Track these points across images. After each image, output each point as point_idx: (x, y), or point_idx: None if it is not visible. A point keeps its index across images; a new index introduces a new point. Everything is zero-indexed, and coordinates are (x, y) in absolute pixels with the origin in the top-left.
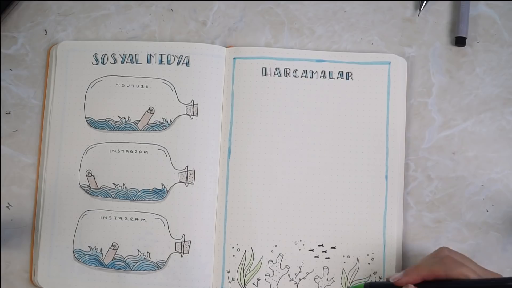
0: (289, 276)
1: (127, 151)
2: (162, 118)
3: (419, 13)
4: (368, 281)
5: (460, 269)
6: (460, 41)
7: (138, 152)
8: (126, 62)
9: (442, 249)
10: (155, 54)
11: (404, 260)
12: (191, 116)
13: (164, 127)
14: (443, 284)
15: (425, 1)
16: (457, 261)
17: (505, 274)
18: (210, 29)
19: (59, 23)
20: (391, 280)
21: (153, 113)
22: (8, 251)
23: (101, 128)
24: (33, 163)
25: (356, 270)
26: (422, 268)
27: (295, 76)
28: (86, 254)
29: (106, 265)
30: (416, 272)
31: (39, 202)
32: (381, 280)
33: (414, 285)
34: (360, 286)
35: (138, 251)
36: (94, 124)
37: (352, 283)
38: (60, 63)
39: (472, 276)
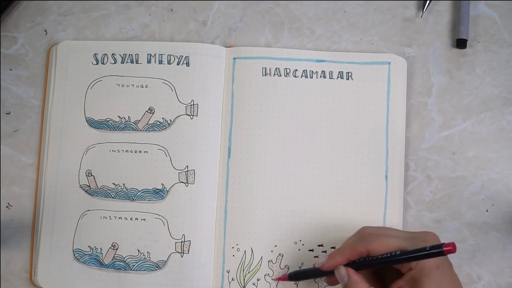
0: None
1: (127, 151)
2: (162, 118)
3: (422, 14)
4: (292, 271)
5: (379, 240)
6: (461, 43)
7: (138, 152)
8: (126, 62)
9: (362, 228)
10: (155, 54)
11: None
12: (191, 116)
13: (164, 127)
14: (367, 262)
15: (428, 2)
16: (375, 233)
17: (505, 274)
18: (210, 29)
19: (59, 23)
20: (316, 266)
21: (153, 113)
22: (8, 251)
23: (101, 128)
24: (33, 163)
25: None
26: (344, 249)
27: (295, 76)
28: (86, 254)
29: (106, 265)
30: (340, 254)
31: (39, 202)
32: (305, 268)
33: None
34: (284, 277)
35: (138, 251)
36: (94, 124)
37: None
38: (60, 63)
39: (392, 242)
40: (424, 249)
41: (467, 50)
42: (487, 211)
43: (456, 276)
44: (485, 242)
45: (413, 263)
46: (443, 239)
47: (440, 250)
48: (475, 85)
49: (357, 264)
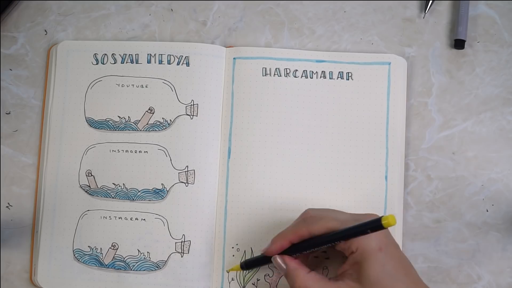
0: None
1: (127, 151)
2: (162, 118)
3: (424, 15)
4: (243, 260)
5: (319, 223)
6: (459, 44)
7: (138, 152)
8: (126, 62)
9: (306, 210)
10: (155, 54)
11: None
12: (191, 116)
13: (164, 127)
14: (307, 242)
15: (430, 3)
16: (317, 216)
17: (505, 274)
18: (210, 29)
19: (59, 23)
20: (261, 252)
21: (153, 113)
22: (8, 251)
23: (101, 128)
24: (33, 163)
25: None
26: (286, 233)
27: (295, 76)
28: (86, 254)
29: (106, 265)
30: (282, 237)
31: (39, 202)
32: (255, 256)
33: (286, 251)
34: (237, 267)
35: (138, 251)
36: (94, 124)
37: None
38: (60, 63)
39: (332, 225)
40: (362, 225)
41: (467, 50)
42: (487, 211)
43: (405, 257)
44: (485, 242)
45: (354, 247)
46: (443, 239)
47: (379, 224)
48: (475, 85)
49: (298, 247)
